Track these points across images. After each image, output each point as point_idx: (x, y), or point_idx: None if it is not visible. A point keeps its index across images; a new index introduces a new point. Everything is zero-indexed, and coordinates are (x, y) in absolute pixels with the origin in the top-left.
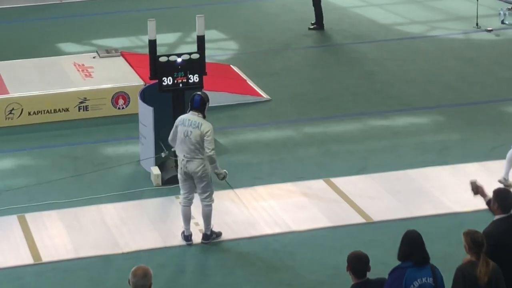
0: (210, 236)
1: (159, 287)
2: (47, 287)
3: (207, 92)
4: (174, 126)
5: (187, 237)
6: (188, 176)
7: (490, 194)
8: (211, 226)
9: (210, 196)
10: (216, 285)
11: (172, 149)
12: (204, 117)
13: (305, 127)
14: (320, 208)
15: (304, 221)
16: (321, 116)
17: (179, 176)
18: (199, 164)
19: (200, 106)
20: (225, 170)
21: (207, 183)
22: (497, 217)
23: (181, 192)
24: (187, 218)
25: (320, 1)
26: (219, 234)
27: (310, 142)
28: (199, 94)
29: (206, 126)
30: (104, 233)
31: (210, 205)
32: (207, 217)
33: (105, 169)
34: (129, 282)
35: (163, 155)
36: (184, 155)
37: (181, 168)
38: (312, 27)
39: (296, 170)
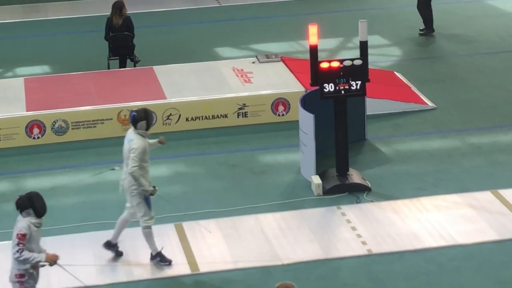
0: (155, 258)
1: None
2: None
3: (370, 99)
4: None
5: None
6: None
7: None
8: (160, 249)
9: (145, 216)
10: None
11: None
12: (143, 133)
13: (472, 136)
14: (487, 221)
15: (471, 234)
16: (488, 125)
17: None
18: (131, 181)
19: (133, 123)
20: (153, 187)
21: (139, 202)
22: None
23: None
24: (119, 226)
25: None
26: (165, 261)
27: (476, 152)
28: (134, 111)
29: (135, 142)
30: (263, 243)
31: (148, 227)
32: (147, 239)
33: (264, 177)
34: None
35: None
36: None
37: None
38: (421, 32)
39: (462, 181)
